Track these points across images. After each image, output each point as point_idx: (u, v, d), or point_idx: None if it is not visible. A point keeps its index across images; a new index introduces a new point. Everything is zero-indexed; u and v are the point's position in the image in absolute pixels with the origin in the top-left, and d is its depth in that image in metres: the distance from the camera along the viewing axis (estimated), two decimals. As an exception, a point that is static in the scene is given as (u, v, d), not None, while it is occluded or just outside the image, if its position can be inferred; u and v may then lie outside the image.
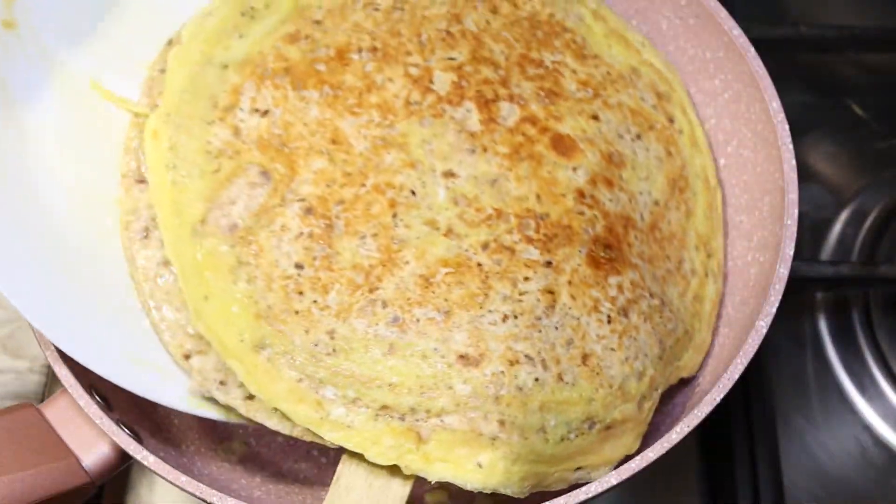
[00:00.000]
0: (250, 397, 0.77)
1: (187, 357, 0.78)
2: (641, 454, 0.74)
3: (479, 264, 0.79)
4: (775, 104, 0.87)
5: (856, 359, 1.09)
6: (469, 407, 0.74)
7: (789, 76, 1.21)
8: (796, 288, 1.03)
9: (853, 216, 1.16)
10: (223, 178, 0.80)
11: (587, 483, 0.74)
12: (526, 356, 0.76)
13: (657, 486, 1.01)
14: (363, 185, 0.81)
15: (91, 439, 0.77)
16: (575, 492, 0.72)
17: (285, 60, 0.85)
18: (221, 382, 0.77)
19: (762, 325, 0.79)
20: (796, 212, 0.83)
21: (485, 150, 0.84)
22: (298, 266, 0.78)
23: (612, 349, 0.79)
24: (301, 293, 0.77)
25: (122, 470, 0.80)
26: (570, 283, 0.80)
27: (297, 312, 0.76)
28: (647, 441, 0.80)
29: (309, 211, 0.79)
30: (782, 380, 1.07)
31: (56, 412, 0.78)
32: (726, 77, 0.93)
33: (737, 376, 0.77)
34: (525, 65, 0.90)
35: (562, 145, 0.86)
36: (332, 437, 0.74)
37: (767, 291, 0.80)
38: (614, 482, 0.73)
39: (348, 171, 0.81)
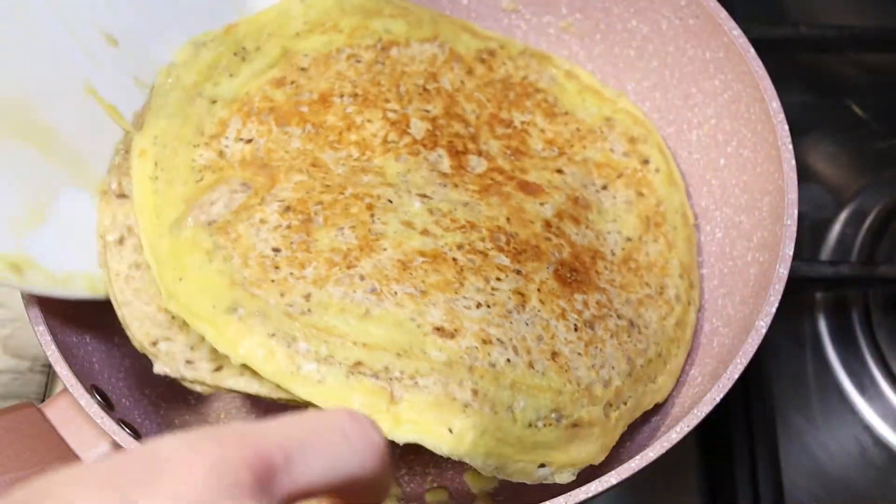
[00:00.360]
0: (218, 369, 0.77)
1: (154, 343, 0.79)
2: (641, 454, 0.73)
3: (455, 259, 0.80)
4: (775, 104, 0.87)
5: (855, 359, 1.09)
6: (444, 372, 0.74)
7: (789, 76, 1.21)
8: (796, 288, 1.03)
9: (853, 216, 1.15)
10: (205, 185, 0.83)
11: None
12: (498, 339, 0.76)
13: (657, 486, 1.01)
14: (342, 193, 0.83)
15: (92, 439, 0.77)
16: (575, 491, 0.72)
17: (271, 101, 0.89)
18: (188, 361, 0.78)
19: (762, 325, 0.79)
20: (796, 212, 0.83)
21: (456, 185, 0.87)
22: (276, 249, 0.79)
23: (579, 354, 0.81)
24: (277, 268, 0.78)
25: None
26: (539, 290, 0.82)
27: (272, 281, 0.77)
28: (646, 441, 0.81)
29: (288, 209, 0.81)
30: (782, 380, 1.07)
31: (57, 412, 0.78)
32: (726, 77, 0.93)
33: (736, 376, 0.77)
34: (494, 124, 0.94)
35: (529, 188, 0.89)
36: (302, 393, 0.73)
37: (767, 291, 0.80)
38: (614, 482, 0.73)
39: (327, 184, 0.84)
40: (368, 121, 0.90)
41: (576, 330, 0.82)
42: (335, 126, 0.89)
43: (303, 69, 0.93)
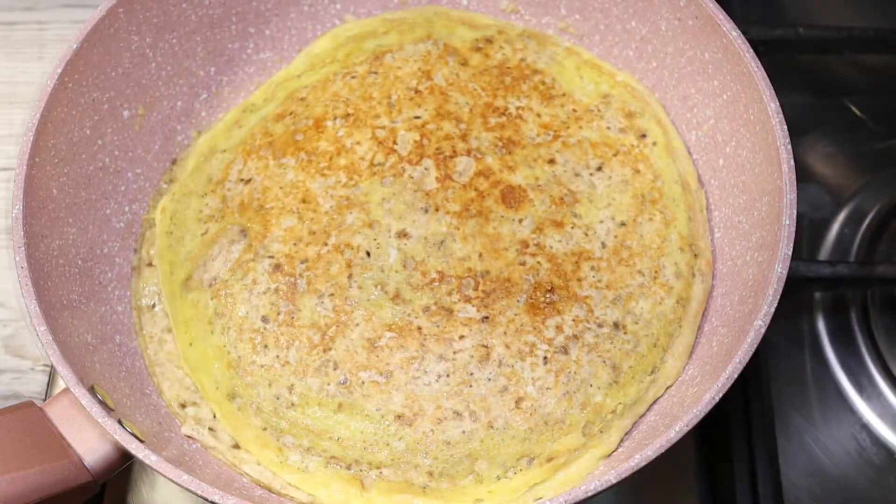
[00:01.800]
0: (236, 446, 0.87)
1: (183, 406, 0.90)
2: (641, 453, 0.74)
3: (419, 328, 0.88)
4: (773, 105, 0.87)
5: (854, 358, 1.09)
6: (403, 461, 0.85)
7: (788, 77, 1.21)
8: (795, 288, 1.03)
9: (851, 216, 1.16)
10: (209, 239, 0.94)
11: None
12: (454, 412, 0.86)
13: (657, 485, 1.02)
14: (325, 244, 0.91)
15: (93, 438, 0.78)
16: (574, 491, 0.73)
17: (270, 136, 0.98)
18: (211, 429, 0.88)
19: (760, 325, 0.79)
20: (794, 212, 0.83)
21: (437, 209, 0.92)
22: (265, 319, 0.88)
23: (548, 388, 0.86)
24: (266, 346, 0.88)
25: (124, 469, 0.80)
26: (505, 333, 0.88)
27: (262, 366, 0.87)
28: (646, 440, 0.81)
29: (277, 268, 0.90)
30: (781, 379, 1.08)
31: (58, 411, 0.79)
32: (725, 78, 0.93)
33: (735, 376, 0.77)
34: (488, 114, 0.98)
35: (511, 197, 0.93)
36: (290, 479, 0.87)
37: (765, 291, 0.80)
38: (613, 481, 0.73)
39: (314, 229, 0.92)
40: (357, 143, 0.96)
41: (545, 363, 0.87)
42: (326, 151, 0.96)
43: (301, 99, 1.00)
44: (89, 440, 0.78)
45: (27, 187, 0.85)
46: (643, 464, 0.74)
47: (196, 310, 0.92)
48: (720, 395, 0.76)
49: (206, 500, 0.73)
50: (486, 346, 0.87)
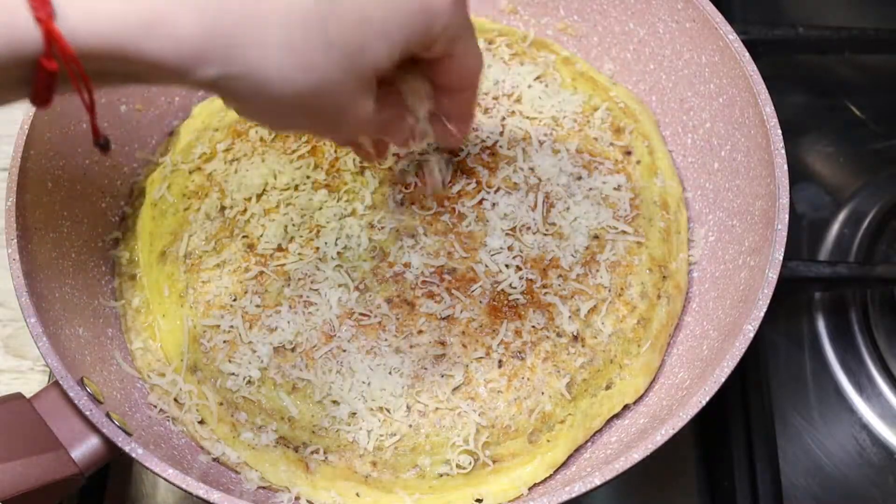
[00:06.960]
0: (202, 422, 0.88)
1: (151, 375, 0.90)
2: (626, 455, 0.74)
3: (380, 319, 0.89)
4: (769, 109, 0.87)
5: (853, 358, 1.09)
6: (348, 449, 0.86)
7: (787, 77, 1.21)
8: (794, 288, 1.03)
9: (851, 216, 1.16)
10: (189, 215, 0.95)
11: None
12: (406, 406, 0.86)
13: (656, 485, 1.02)
14: (299, 227, 0.91)
15: (80, 431, 0.78)
16: (558, 491, 0.73)
17: None
18: (177, 400, 0.89)
19: (749, 329, 0.79)
20: (787, 217, 0.83)
21: (412, 203, 0.92)
22: (233, 297, 0.89)
23: (500, 391, 0.86)
24: (231, 324, 0.88)
25: (126, 463, 0.80)
26: (463, 332, 0.87)
27: (225, 342, 0.88)
28: (634, 442, 0.81)
29: (250, 247, 0.91)
30: (780, 379, 1.08)
31: (46, 403, 0.78)
32: (721, 81, 0.93)
33: (723, 380, 0.77)
34: (477, 114, 0.97)
35: (486, 201, 0.93)
36: (241, 455, 0.88)
37: (756, 296, 0.80)
38: (598, 483, 0.74)
39: (290, 212, 0.92)
40: None
41: (500, 366, 0.87)
42: (311, 137, 0.96)
43: None
44: (76, 432, 0.78)
45: (21, 180, 0.85)
46: (628, 465, 0.74)
47: (170, 282, 0.93)
48: (706, 399, 0.77)
49: (191, 495, 0.74)
50: (443, 344, 0.87)
